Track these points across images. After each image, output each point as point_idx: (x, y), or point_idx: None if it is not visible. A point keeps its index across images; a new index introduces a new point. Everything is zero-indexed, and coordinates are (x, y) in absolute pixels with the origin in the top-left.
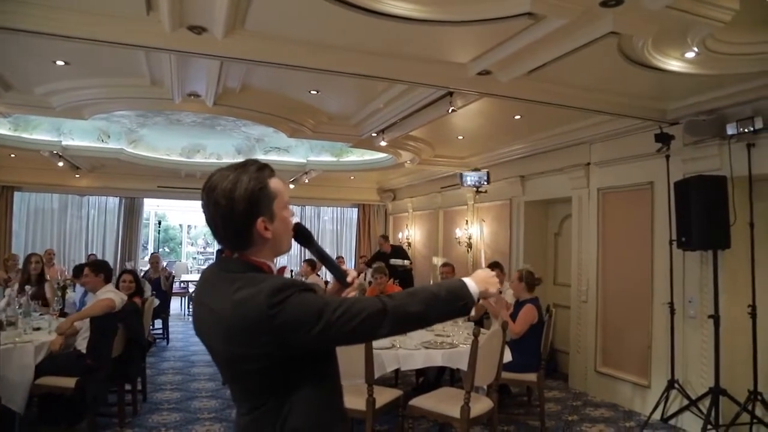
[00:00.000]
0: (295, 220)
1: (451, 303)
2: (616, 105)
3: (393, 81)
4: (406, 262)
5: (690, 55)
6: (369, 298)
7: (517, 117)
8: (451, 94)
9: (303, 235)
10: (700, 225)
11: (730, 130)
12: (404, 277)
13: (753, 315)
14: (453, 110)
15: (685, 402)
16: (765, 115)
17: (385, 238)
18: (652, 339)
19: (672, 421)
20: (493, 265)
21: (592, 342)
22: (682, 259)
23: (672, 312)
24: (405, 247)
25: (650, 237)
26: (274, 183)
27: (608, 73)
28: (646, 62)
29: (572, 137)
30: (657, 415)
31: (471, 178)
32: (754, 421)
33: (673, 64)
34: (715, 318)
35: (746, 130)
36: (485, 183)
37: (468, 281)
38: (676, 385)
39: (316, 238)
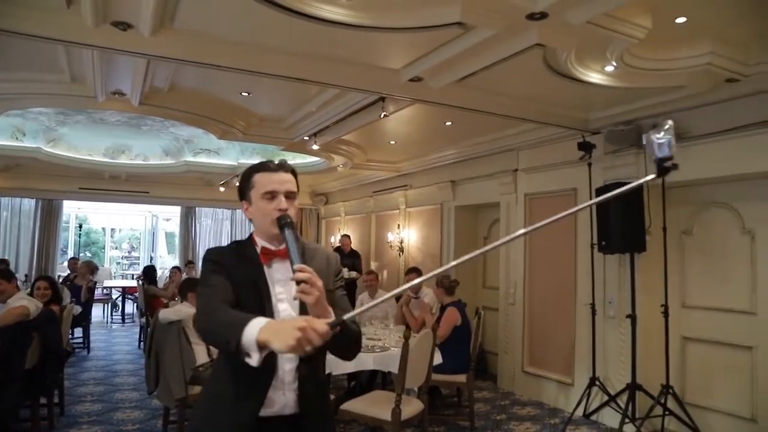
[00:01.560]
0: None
1: (225, 336)
2: (542, 114)
3: (325, 85)
4: (353, 273)
5: (609, 68)
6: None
7: (448, 123)
8: (383, 99)
9: (280, 226)
10: (618, 230)
11: (645, 139)
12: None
13: (665, 314)
14: (385, 115)
15: (605, 398)
16: (678, 126)
17: (347, 237)
18: (575, 339)
19: (593, 417)
20: (410, 271)
21: (520, 343)
22: (603, 262)
23: (593, 312)
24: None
25: (574, 241)
26: (258, 177)
27: (534, 83)
28: (569, 74)
29: (501, 144)
30: (580, 412)
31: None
32: (666, 413)
33: (594, 77)
34: (632, 317)
35: None
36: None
37: (254, 326)
38: (597, 382)
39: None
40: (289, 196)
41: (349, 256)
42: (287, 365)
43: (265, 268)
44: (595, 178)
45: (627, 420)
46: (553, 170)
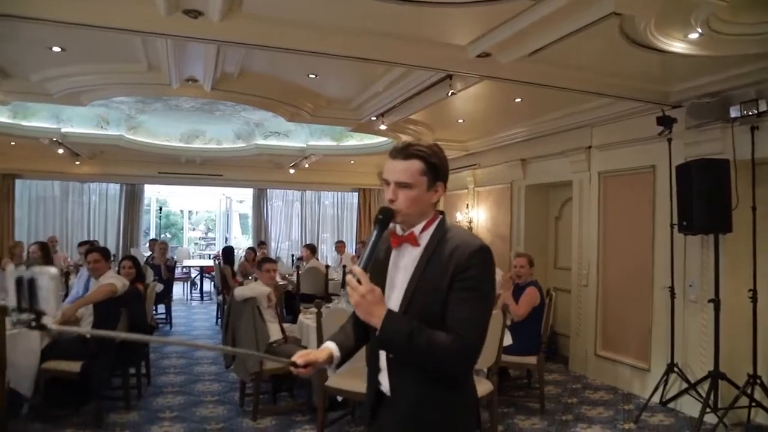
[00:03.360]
0: (387, 198)
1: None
2: (618, 88)
3: (391, 64)
4: None
5: (693, 36)
6: None
7: (518, 100)
8: (450, 77)
9: (375, 218)
10: (701, 209)
11: (734, 112)
12: None
13: (753, 299)
14: (452, 93)
15: (684, 385)
16: None
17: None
18: (652, 323)
19: (671, 405)
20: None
21: (593, 325)
22: (683, 243)
23: (672, 296)
24: None
25: (651, 221)
26: (386, 162)
27: (610, 55)
28: (648, 44)
29: (573, 120)
30: (656, 398)
31: None
32: (753, 404)
33: (676, 46)
34: (716, 302)
35: (750, 113)
36: None
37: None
38: (675, 369)
39: (319, 223)
40: (401, 185)
41: None
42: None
43: (393, 252)
44: (676, 154)
45: (708, 410)
46: (629, 147)
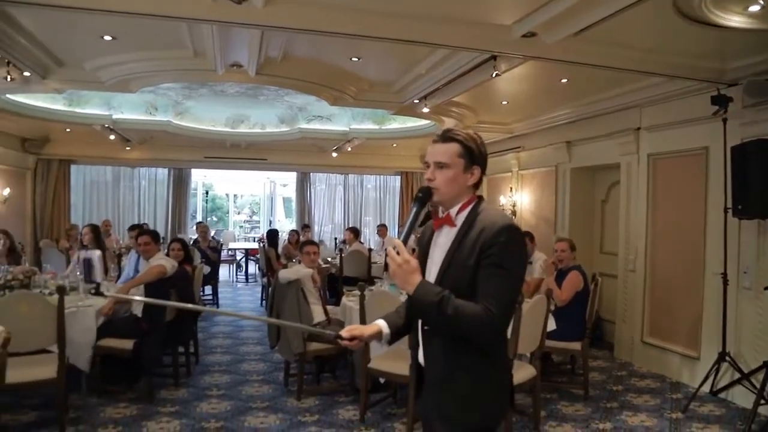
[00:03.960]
0: (425, 178)
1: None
2: (670, 66)
3: (435, 46)
4: None
5: (754, 8)
6: None
7: (564, 80)
8: (494, 58)
9: (415, 196)
10: (758, 192)
11: None
12: None
13: None
14: (497, 75)
15: (737, 375)
16: None
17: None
18: (703, 310)
19: (722, 394)
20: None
21: (640, 312)
22: (738, 227)
23: (725, 283)
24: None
25: (703, 204)
26: (428, 148)
27: (662, 32)
28: (704, 19)
29: (622, 101)
30: (706, 388)
31: None
32: None
33: (734, 20)
34: None
35: None
36: None
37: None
38: (727, 358)
39: (362, 207)
40: (439, 165)
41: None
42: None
43: (435, 233)
44: (731, 135)
45: (763, 401)
46: (681, 128)
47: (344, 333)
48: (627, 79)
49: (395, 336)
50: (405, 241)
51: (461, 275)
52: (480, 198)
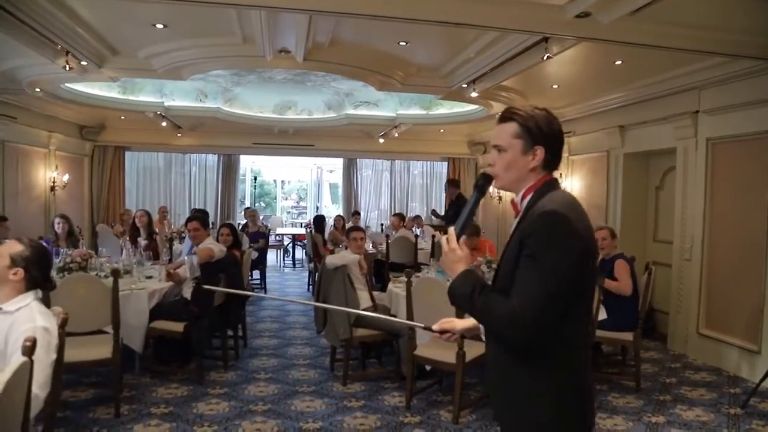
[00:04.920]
0: (487, 168)
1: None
2: (733, 44)
3: (484, 28)
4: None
5: None
6: None
7: (618, 62)
8: (546, 39)
9: (477, 183)
10: None
11: None
12: None
13: None
14: (548, 57)
15: None
16: None
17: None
18: (765, 302)
19: None
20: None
21: (695, 302)
22: None
23: None
24: (496, 200)
25: (766, 191)
26: None
27: (724, 8)
28: None
29: (679, 83)
30: (767, 384)
31: None
32: None
33: None
34: None
35: None
36: None
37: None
38: None
39: (408, 193)
40: (497, 149)
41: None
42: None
43: (514, 222)
44: None
45: None
46: (744, 110)
47: (435, 326)
48: (685, 59)
49: None
50: (461, 232)
51: (508, 268)
52: (550, 181)
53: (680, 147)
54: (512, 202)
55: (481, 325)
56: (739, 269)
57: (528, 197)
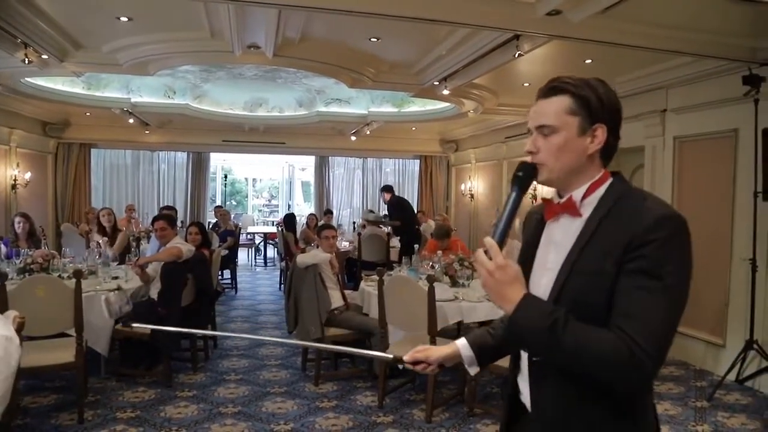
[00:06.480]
0: (527, 155)
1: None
2: (700, 44)
3: (456, 25)
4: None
5: None
6: None
7: (588, 61)
8: (517, 37)
9: (516, 176)
10: None
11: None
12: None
13: None
14: (520, 55)
15: (765, 363)
16: None
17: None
18: (729, 296)
19: (749, 383)
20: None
21: None
22: None
23: (754, 269)
24: (467, 198)
25: (731, 188)
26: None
27: (692, 9)
28: None
29: (647, 82)
30: (732, 376)
31: None
32: None
33: None
34: None
35: None
36: None
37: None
38: (755, 346)
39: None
40: (542, 130)
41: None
42: (524, 352)
43: (547, 226)
44: (763, 116)
45: None
46: (709, 109)
47: (407, 357)
48: (654, 59)
49: (484, 356)
50: (501, 241)
51: (591, 287)
52: (617, 175)
53: (648, 145)
54: (569, 201)
55: (470, 352)
56: (705, 265)
57: (595, 194)
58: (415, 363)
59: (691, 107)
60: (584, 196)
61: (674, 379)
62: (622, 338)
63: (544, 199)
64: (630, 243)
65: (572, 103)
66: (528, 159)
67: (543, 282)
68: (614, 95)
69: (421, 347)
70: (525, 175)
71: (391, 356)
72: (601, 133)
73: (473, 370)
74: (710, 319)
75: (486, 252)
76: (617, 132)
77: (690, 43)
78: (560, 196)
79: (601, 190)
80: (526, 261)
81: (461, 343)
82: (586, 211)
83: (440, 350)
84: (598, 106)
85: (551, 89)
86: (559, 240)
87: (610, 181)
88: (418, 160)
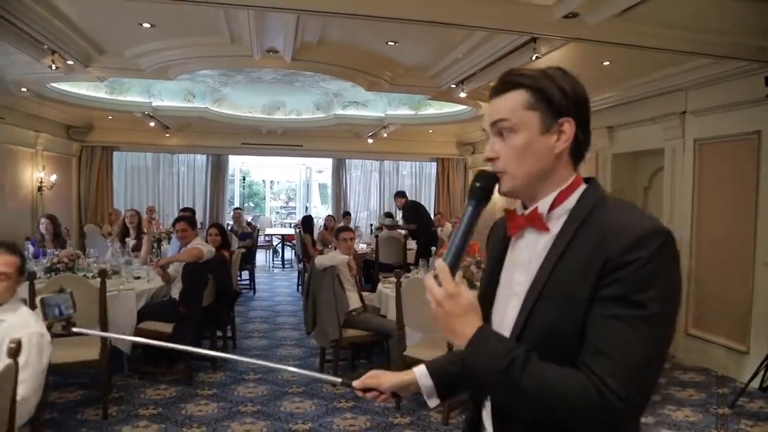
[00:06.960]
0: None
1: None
2: (720, 46)
3: (473, 28)
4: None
5: None
6: None
7: (606, 63)
8: (534, 40)
9: (474, 186)
10: None
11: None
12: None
13: None
14: (537, 57)
15: None
16: None
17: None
18: (753, 302)
19: None
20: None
21: (683, 303)
22: None
23: None
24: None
25: (755, 191)
26: None
27: (712, 10)
28: None
29: (667, 84)
30: (755, 383)
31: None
32: None
33: None
34: None
35: None
36: None
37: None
38: None
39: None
40: (500, 131)
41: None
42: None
43: (512, 242)
44: None
45: None
46: (730, 111)
47: (356, 383)
48: (673, 60)
49: (446, 386)
50: (455, 265)
51: (562, 316)
52: (591, 181)
53: (668, 148)
54: (534, 213)
55: (430, 382)
56: (726, 270)
57: (565, 205)
58: (366, 390)
59: (712, 109)
60: (552, 207)
61: (695, 385)
62: (591, 380)
63: (506, 210)
64: (605, 265)
65: (529, 96)
66: (488, 167)
67: (509, 308)
68: (580, 85)
69: (372, 373)
70: (483, 185)
71: (339, 380)
72: (568, 127)
73: (432, 402)
74: (732, 325)
75: (436, 277)
76: (587, 126)
77: (709, 45)
78: (525, 207)
79: (572, 200)
80: (491, 282)
81: (419, 371)
82: (555, 225)
83: (394, 377)
84: (560, 99)
85: (504, 84)
86: (524, 259)
87: (582, 188)
88: (435, 163)
